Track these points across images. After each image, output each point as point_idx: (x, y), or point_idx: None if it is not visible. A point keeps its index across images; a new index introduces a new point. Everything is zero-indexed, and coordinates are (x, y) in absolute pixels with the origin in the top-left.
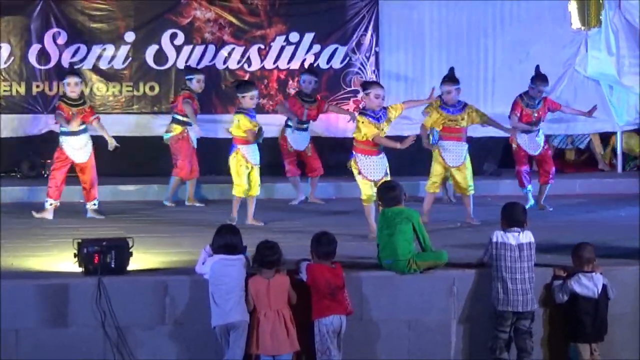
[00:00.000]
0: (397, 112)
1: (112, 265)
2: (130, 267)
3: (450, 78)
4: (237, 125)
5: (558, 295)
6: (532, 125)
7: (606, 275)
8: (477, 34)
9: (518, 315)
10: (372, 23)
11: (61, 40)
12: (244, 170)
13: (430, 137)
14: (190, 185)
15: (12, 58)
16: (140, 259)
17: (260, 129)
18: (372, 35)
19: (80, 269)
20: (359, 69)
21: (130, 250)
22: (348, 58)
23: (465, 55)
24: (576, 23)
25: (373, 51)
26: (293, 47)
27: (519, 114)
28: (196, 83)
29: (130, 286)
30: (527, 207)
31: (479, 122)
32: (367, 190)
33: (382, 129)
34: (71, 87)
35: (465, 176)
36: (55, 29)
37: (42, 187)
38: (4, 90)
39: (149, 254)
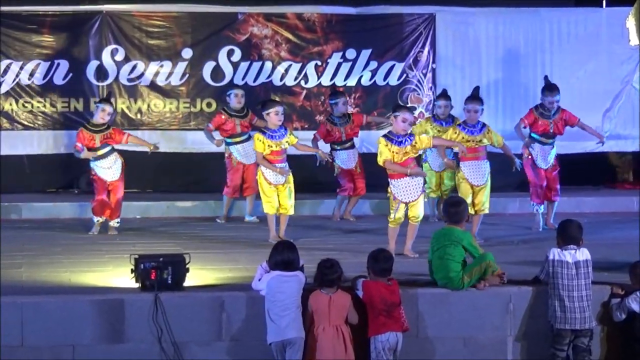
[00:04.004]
0: (423, 144)
1: (169, 281)
2: (186, 283)
3: (475, 97)
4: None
5: (616, 313)
6: (548, 137)
7: None
8: (534, 51)
9: (576, 333)
10: (429, 40)
11: (119, 56)
12: (268, 188)
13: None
14: (249, 201)
15: (71, 74)
16: (197, 275)
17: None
18: (429, 52)
19: (137, 285)
20: (416, 85)
21: (187, 266)
22: (405, 75)
23: (521, 72)
24: (634, 40)
25: (430, 67)
26: (350, 63)
27: (527, 123)
28: (234, 98)
29: (187, 302)
30: (540, 229)
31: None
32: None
33: (405, 152)
34: None
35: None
36: (113, 46)
37: None
38: (62, 107)
39: (206, 270)
